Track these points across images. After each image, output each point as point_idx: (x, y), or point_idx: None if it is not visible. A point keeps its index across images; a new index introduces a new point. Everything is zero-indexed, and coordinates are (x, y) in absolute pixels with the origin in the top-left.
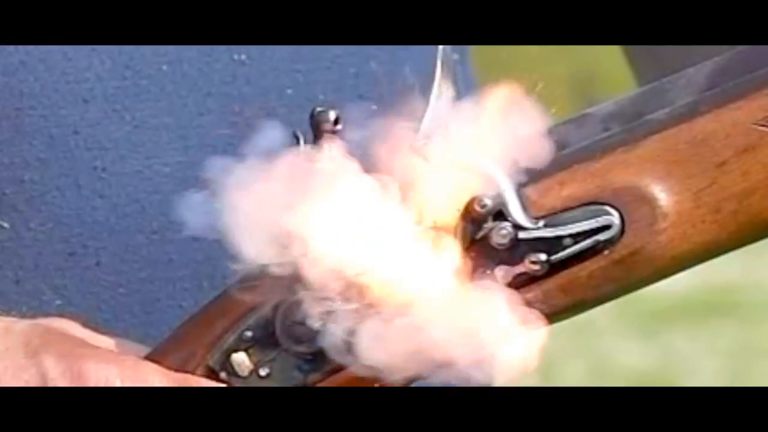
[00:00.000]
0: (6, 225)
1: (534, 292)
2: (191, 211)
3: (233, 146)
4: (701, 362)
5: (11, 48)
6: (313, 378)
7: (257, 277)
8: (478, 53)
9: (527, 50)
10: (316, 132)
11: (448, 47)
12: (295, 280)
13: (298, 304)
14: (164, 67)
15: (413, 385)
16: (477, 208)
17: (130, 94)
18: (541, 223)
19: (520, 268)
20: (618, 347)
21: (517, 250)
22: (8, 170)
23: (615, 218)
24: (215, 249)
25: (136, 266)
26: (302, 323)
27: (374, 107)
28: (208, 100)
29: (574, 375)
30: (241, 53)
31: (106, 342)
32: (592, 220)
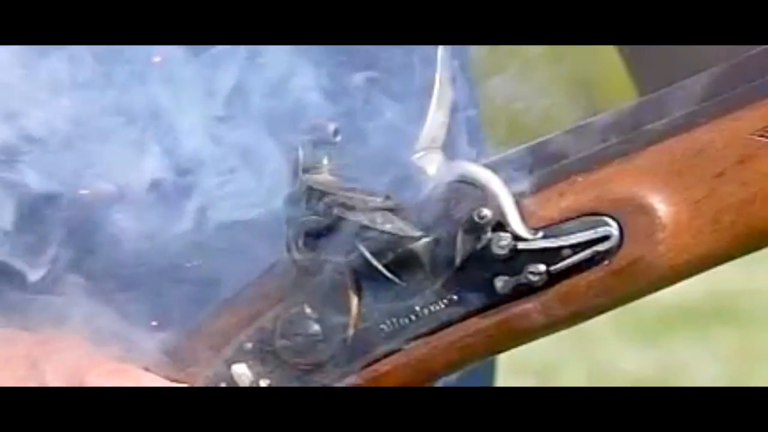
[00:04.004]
0: None
1: (533, 302)
2: None
3: None
4: (701, 368)
5: None
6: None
7: (254, 285)
8: (478, 59)
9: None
10: (315, 144)
11: (448, 53)
12: (295, 288)
13: (298, 315)
14: None
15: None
16: (476, 218)
17: None
18: (540, 234)
19: (519, 279)
20: (618, 353)
21: (516, 260)
22: None
23: (614, 229)
24: None
25: None
26: (302, 335)
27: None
28: None
29: (574, 381)
30: None
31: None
32: (591, 231)
